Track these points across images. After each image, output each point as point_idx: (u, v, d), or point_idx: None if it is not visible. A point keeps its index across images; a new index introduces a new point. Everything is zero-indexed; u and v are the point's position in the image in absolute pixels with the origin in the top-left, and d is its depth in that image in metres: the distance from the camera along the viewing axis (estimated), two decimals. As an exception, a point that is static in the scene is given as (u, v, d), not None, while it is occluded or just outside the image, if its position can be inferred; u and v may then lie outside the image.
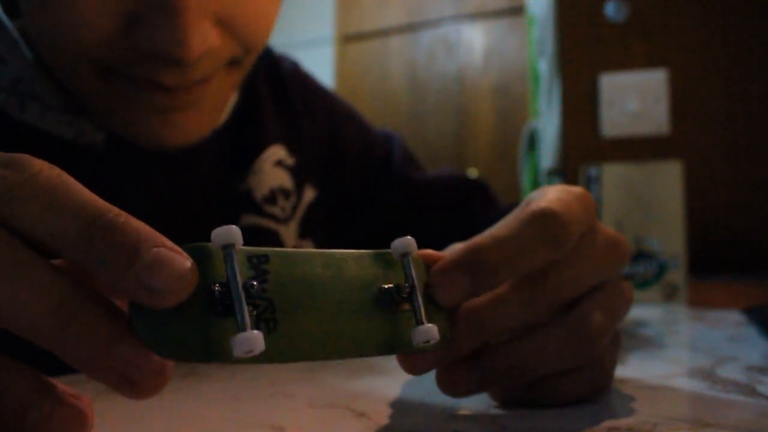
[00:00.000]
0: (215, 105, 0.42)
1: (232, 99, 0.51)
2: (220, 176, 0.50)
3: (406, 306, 0.24)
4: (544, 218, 0.25)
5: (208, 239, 0.21)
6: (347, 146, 0.60)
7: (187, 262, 0.19)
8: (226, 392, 0.32)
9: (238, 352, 0.19)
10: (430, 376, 0.31)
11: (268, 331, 0.21)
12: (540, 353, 0.26)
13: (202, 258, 0.20)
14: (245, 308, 0.20)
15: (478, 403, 0.29)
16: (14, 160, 0.20)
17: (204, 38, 0.35)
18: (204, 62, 0.37)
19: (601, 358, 0.28)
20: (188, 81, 0.38)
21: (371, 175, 0.60)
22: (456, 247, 0.27)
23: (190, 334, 0.20)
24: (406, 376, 0.34)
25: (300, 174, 0.54)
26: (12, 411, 0.19)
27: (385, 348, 0.24)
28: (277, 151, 0.53)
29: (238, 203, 0.50)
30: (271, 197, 0.52)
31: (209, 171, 0.49)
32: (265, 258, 0.22)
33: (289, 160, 0.54)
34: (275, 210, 0.52)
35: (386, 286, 0.24)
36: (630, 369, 0.37)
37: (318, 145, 0.58)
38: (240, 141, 0.52)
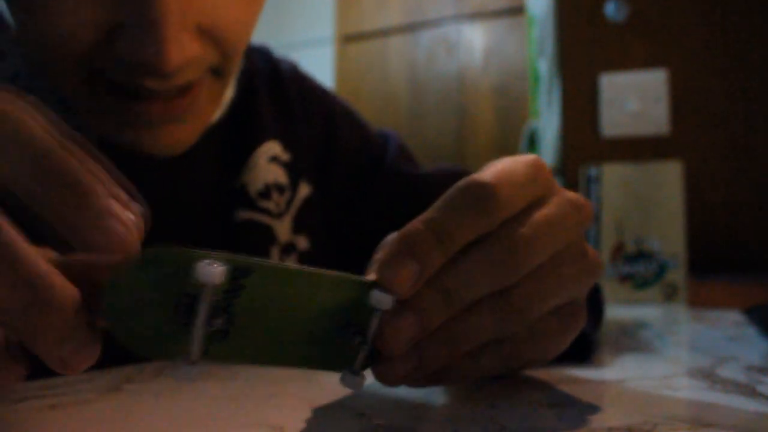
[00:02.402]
0: (200, 117, 0.43)
1: (228, 95, 0.52)
2: (216, 172, 0.51)
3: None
4: (470, 190, 0.26)
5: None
6: (343, 143, 0.60)
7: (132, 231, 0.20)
8: (226, 392, 0.32)
9: (179, 375, 0.22)
10: (430, 376, 0.31)
11: (218, 340, 0.22)
12: (472, 326, 0.26)
13: (181, 263, 0.21)
14: (200, 344, 0.21)
15: (478, 403, 0.29)
16: None
17: (183, 49, 0.36)
18: (185, 70, 0.38)
19: (532, 331, 0.28)
20: (171, 87, 0.38)
21: (366, 172, 0.60)
22: (389, 239, 0.28)
23: (148, 333, 0.21)
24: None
25: (295, 170, 0.55)
26: (50, 341, 0.20)
27: (318, 366, 0.26)
28: (273, 147, 0.54)
29: (232, 199, 0.51)
30: (266, 192, 0.52)
31: (205, 167, 0.50)
32: (246, 272, 0.22)
33: (285, 156, 0.54)
34: (269, 205, 0.52)
35: (345, 325, 0.25)
36: (630, 369, 0.37)
37: (314, 143, 0.58)
38: (236, 138, 0.52)
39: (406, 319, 0.25)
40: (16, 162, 0.20)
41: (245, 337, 0.23)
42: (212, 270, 0.21)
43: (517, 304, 0.26)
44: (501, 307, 0.26)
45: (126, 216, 0.20)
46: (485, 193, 0.26)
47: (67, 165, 0.20)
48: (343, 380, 0.26)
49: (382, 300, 0.24)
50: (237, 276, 0.22)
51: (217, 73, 0.42)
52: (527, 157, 0.28)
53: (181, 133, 0.42)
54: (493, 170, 0.27)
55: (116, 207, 0.20)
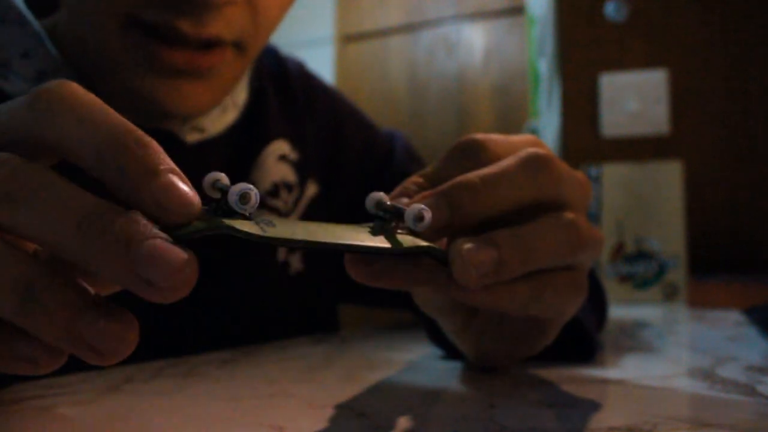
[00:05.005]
0: (221, 83, 0.44)
1: (242, 98, 0.52)
2: (226, 172, 0.51)
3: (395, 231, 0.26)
4: (530, 157, 0.28)
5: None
6: (349, 144, 0.60)
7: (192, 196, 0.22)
8: (226, 392, 0.32)
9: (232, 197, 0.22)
10: (431, 376, 0.31)
11: (265, 228, 0.23)
12: (542, 237, 0.28)
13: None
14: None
15: (478, 402, 0.29)
16: (52, 83, 0.22)
17: None
18: (220, 20, 0.39)
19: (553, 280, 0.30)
20: (200, 35, 0.39)
21: (373, 172, 0.60)
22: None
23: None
24: (406, 376, 0.34)
25: (303, 169, 0.55)
26: (60, 322, 0.19)
27: (374, 247, 0.25)
28: (281, 146, 0.54)
29: None
30: (274, 190, 0.53)
31: (215, 166, 0.50)
32: (269, 222, 0.23)
33: (293, 155, 0.55)
34: (278, 203, 0.53)
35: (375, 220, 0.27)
36: (630, 369, 0.37)
37: (321, 142, 0.58)
38: (245, 138, 0.53)
39: (488, 250, 0.26)
40: (89, 136, 0.21)
41: (292, 229, 0.24)
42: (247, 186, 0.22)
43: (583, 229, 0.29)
44: (563, 225, 0.28)
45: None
46: (545, 160, 0.28)
47: (133, 136, 0.21)
48: (408, 216, 0.26)
49: (376, 197, 0.27)
50: (263, 223, 0.23)
51: (240, 48, 0.43)
52: (528, 136, 0.32)
53: (200, 93, 0.42)
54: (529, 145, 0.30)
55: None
